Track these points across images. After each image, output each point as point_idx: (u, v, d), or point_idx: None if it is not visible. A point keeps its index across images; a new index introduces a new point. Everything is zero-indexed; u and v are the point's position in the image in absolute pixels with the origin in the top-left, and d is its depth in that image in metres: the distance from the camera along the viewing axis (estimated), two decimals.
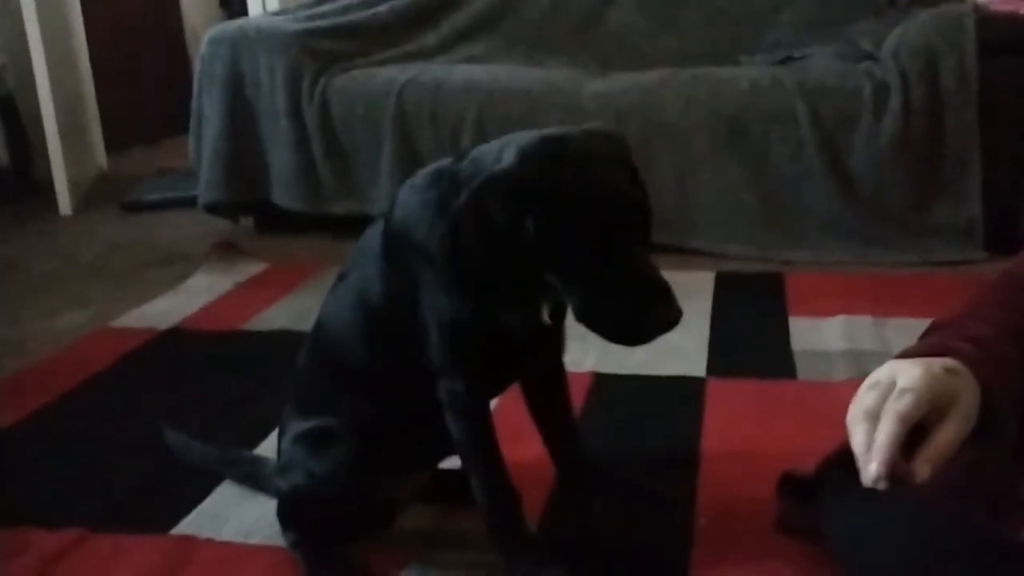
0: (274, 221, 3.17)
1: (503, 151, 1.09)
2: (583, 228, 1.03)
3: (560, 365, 1.35)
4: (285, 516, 1.33)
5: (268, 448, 1.66)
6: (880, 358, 1.91)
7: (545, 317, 1.18)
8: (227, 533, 1.42)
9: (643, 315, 1.04)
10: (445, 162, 1.20)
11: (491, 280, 1.08)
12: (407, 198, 1.20)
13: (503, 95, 2.81)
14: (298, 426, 1.31)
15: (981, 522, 1.00)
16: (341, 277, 1.31)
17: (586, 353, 1.90)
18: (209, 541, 1.40)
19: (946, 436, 0.84)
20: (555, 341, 1.30)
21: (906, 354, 0.96)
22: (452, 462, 1.36)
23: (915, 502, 1.04)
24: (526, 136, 1.10)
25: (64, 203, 3.65)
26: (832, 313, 2.15)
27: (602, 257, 1.03)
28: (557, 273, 1.06)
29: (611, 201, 1.04)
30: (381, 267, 1.21)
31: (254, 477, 1.51)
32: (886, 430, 0.84)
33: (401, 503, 1.38)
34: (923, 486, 0.84)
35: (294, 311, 2.38)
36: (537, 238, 1.03)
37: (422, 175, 1.22)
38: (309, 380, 1.35)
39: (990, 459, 0.97)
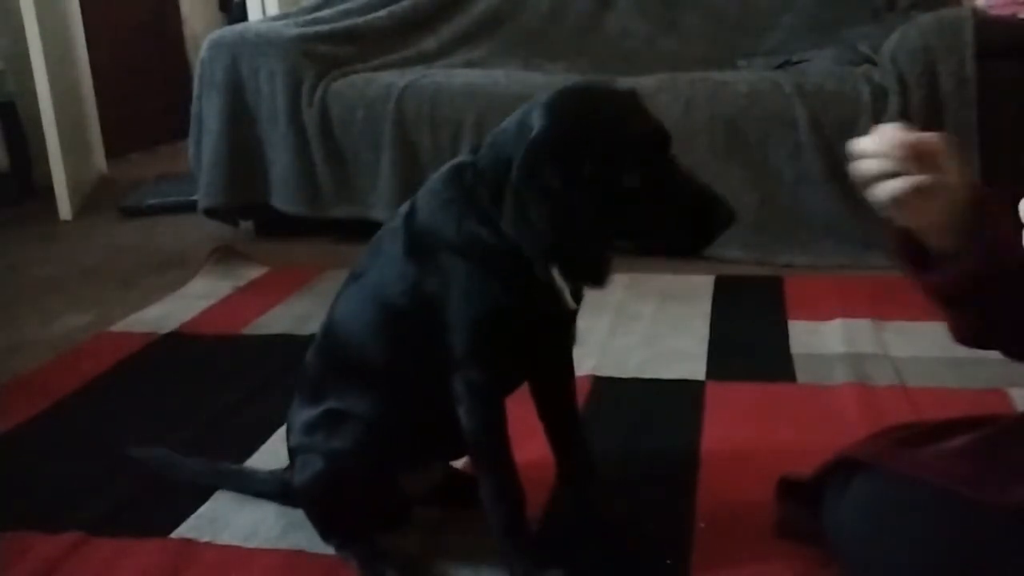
0: (274, 225, 3.18)
1: (523, 122, 1.14)
2: (633, 156, 1.10)
3: (570, 360, 1.36)
4: (310, 506, 1.33)
5: (268, 452, 1.66)
6: (879, 361, 1.95)
7: (570, 301, 1.20)
8: (227, 537, 1.42)
9: (708, 216, 1.12)
10: (462, 158, 1.23)
11: (560, 242, 1.10)
12: (428, 200, 1.22)
13: (502, 100, 2.81)
14: (307, 414, 1.31)
15: (993, 497, 1.00)
16: (354, 277, 1.31)
17: (585, 356, 1.90)
18: (209, 544, 1.40)
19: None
20: (570, 333, 1.31)
21: None
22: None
23: (926, 487, 1.04)
24: (543, 99, 1.14)
25: (64, 208, 3.66)
26: (831, 316, 2.16)
27: (654, 178, 1.11)
28: (617, 210, 1.11)
29: (648, 126, 1.13)
30: (404, 268, 1.21)
31: (251, 484, 1.52)
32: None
33: (414, 498, 1.38)
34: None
35: (294, 315, 2.38)
36: (594, 181, 1.08)
37: (439, 175, 1.24)
38: (318, 375, 1.35)
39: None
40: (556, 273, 1.18)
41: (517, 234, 1.11)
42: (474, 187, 1.17)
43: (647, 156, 1.11)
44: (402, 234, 1.23)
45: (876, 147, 0.97)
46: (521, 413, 1.37)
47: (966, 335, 1.07)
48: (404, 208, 1.27)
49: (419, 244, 1.21)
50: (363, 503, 1.31)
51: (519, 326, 1.19)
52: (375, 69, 3.11)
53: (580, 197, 1.08)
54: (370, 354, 1.27)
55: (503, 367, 1.22)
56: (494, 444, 1.23)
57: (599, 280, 1.15)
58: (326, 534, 1.34)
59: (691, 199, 1.13)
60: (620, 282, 2.44)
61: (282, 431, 1.68)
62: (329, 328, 1.34)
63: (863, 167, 0.98)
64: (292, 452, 1.36)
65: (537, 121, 1.11)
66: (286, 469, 1.45)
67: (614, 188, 1.09)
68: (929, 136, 0.99)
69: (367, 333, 1.27)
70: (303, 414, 1.33)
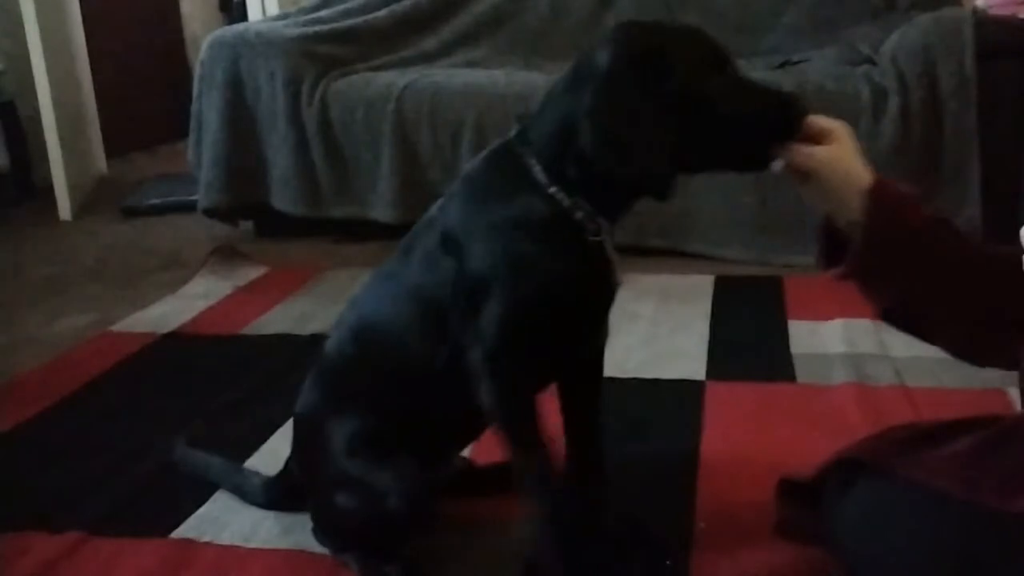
0: (274, 225, 3.18)
1: (577, 74, 1.15)
2: (711, 67, 1.14)
3: (601, 358, 1.34)
4: (346, 535, 1.30)
5: (268, 452, 1.66)
6: (879, 361, 1.94)
7: (619, 274, 1.21)
8: (227, 536, 1.42)
9: (785, 113, 1.15)
10: (496, 144, 1.23)
11: (651, 163, 1.12)
12: (468, 190, 1.21)
13: (502, 99, 2.81)
14: (346, 427, 1.27)
15: (992, 499, 1.00)
16: (386, 276, 1.29)
17: None
18: (209, 544, 1.40)
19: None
20: (605, 324, 1.29)
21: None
22: None
23: (926, 488, 1.04)
24: (598, 44, 1.15)
25: (64, 208, 3.66)
26: (831, 316, 2.15)
27: (731, 85, 1.15)
28: (705, 121, 1.14)
29: (711, 41, 1.17)
30: (443, 261, 1.20)
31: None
32: None
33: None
34: None
35: (293, 315, 2.38)
36: (678, 95, 1.11)
37: (476, 164, 1.23)
38: (356, 378, 1.30)
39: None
40: (608, 244, 1.19)
41: (608, 158, 1.11)
42: (520, 159, 1.17)
43: (721, 66, 1.15)
44: (439, 228, 1.22)
45: None
46: None
47: (880, 313, 1.14)
48: (436, 205, 1.26)
49: (458, 235, 1.19)
50: (399, 534, 1.28)
51: (567, 300, 1.17)
52: (375, 69, 3.11)
53: (668, 113, 1.11)
54: (412, 353, 1.24)
55: (540, 353, 1.20)
56: (520, 428, 1.21)
57: (666, 195, 1.17)
58: (327, 540, 1.33)
59: (769, 100, 1.16)
60: None
61: (282, 431, 1.70)
62: (361, 328, 1.30)
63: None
64: (311, 453, 1.32)
65: (603, 57, 1.12)
66: (280, 474, 1.45)
67: (699, 100, 1.12)
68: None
69: (407, 333, 1.24)
70: (338, 424, 1.27)
